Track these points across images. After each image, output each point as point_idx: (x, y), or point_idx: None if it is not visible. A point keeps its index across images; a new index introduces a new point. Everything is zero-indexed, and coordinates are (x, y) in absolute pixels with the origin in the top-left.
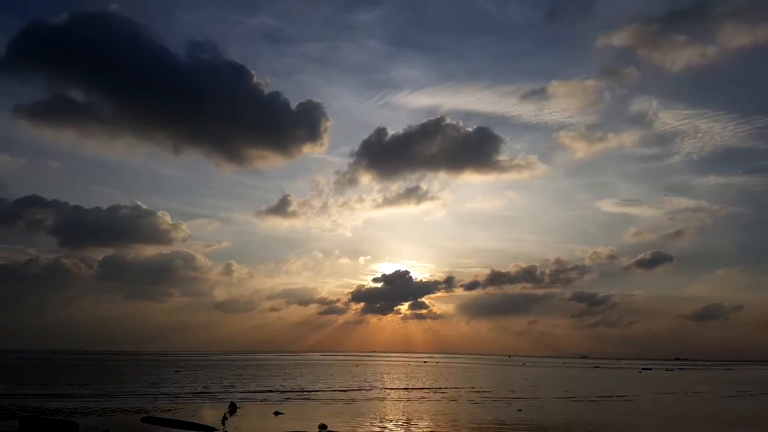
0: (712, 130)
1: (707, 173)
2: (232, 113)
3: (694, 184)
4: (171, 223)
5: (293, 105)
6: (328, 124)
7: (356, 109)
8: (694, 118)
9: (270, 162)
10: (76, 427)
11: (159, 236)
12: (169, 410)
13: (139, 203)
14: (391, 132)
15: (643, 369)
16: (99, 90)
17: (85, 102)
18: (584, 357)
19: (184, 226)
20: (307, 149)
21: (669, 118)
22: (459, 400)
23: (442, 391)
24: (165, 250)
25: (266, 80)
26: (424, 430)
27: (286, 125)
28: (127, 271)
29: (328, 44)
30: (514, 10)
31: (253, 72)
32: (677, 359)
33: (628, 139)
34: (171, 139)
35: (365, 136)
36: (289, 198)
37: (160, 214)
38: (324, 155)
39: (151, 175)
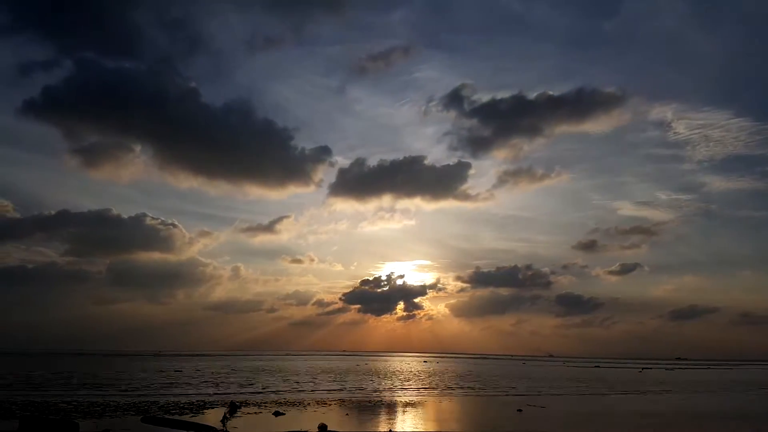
0: (724, 139)
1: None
2: (250, 156)
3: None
4: (187, 235)
5: (307, 150)
6: (333, 170)
7: (378, 112)
8: (706, 128)
9: (277, 191)
10: (76, 427)
11: (174, 245)
12: (169, 410)
13: (166, 219)
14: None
15: (643, 368)
16: (141, 133)
17: (129, 143)
18: (551, 356)
19: (198, 239)
20: (306, 188)
21: (682, 128)
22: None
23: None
24: (178, 258)
25: (290, 133)
26: (425, 429)
27: (298, 168)
28: (139, 275)
29: (350, 45)
30: (541, 10)
31: (280, 123)
32: (678, 359)
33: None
34: (195, 171)
35: (386, 139)
36: (290, 215)
37: (178, 226)
38: (317, 190)
39: (174, 195)
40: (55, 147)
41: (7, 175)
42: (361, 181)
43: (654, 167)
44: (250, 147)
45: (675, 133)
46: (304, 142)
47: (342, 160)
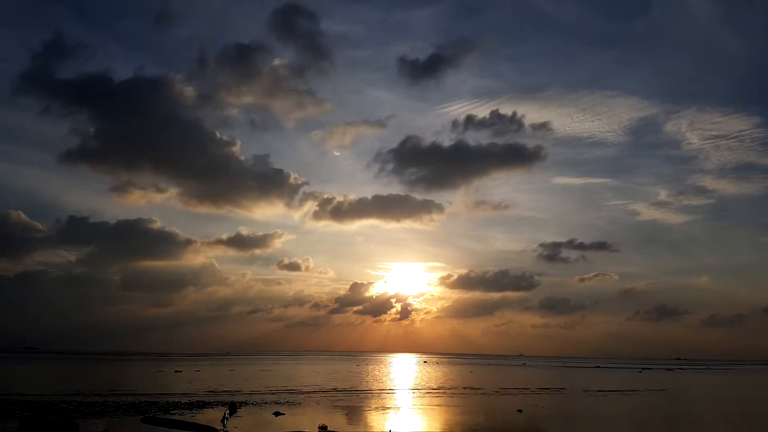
0: (738, 147)
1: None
2: (260, 193)
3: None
4: (195, 245)
5: (307, 190)
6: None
7: (402, 114)
8: (719, 138)
9: (277, 213)
10: (76, 427)
11: (183, 254)
12: (169, 410)
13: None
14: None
15: (643, 369)
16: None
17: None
18: (521, 355)
19: (206, 250)
20: (302, 212)
21: (695, 138)
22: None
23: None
24: (185, 264)
25: (297, 179)
26: (425, 429)
27: (298, 200)
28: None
29: (377, 46)
30: (570, 9)
31: (290, 173)
32: (678, 359)
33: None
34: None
35: (409, 141)
36: (292, 233)
37: (190, 239)
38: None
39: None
40: (101, 182)
41: (55, 198)
42: (350, 209)
43: (669, 170)
44: (262, 184)
45: (688, 143)
46: (306, 187)
47: (333, 195)
